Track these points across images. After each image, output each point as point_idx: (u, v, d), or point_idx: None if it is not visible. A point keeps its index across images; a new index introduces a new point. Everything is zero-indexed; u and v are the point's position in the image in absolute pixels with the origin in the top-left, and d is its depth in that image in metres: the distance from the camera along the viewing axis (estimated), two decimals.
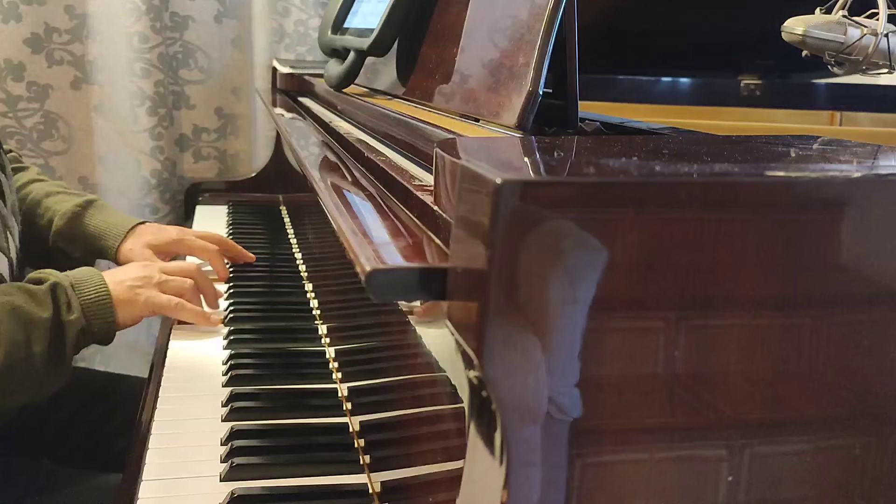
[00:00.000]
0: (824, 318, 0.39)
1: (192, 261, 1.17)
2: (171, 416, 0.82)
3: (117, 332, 0.93)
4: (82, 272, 0.93)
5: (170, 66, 1.77)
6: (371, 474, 0.72)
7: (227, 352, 0.95)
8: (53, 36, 1.67)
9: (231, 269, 1.23)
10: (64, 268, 1.19)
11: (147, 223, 1.19)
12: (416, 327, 0.60)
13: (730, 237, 0.37)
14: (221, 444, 0.76)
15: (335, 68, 1.01)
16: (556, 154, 0.46)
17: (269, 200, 1.74)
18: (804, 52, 0.73)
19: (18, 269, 1.03)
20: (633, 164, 0.40)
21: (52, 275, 0.90)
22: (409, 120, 0.71)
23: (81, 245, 1.16)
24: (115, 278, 0.94)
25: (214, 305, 1.07)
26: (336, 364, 0.93)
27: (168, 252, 1.17)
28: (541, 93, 0.59)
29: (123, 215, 1.20)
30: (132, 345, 1.76)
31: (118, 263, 1.15)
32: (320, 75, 1.19)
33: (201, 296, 1.04)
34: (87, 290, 0.90)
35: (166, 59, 1.74)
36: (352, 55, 0.97)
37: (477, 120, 0.67)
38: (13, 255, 1.00)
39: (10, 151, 1.27)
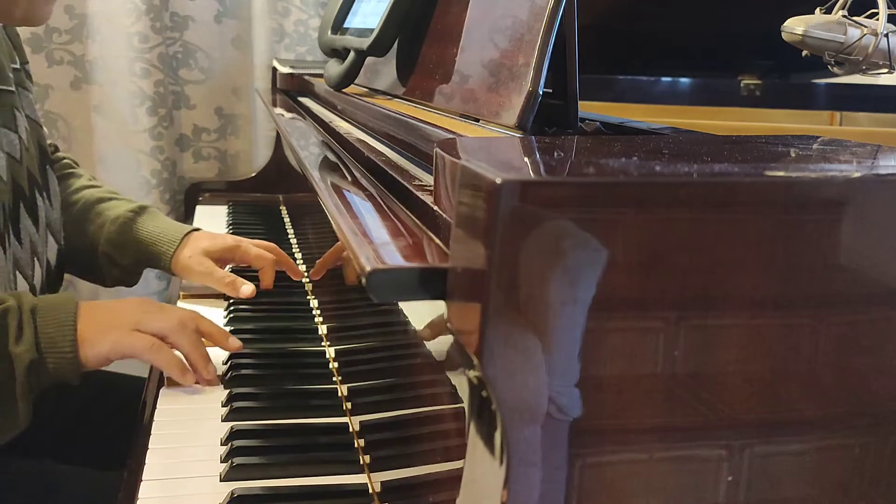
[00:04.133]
0: (824, 318, 0.39)
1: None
2: (171, 416, 0.82)
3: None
4: (56, 297, 0.83)
5: (170, 66, 1.77)
6: (371, 474, 0.72)
7: (228, 352, 0.95)
8: (53, 36, 1.67)
9: (230, 270, 1.23)
10: (111, 276, 1.14)
11: (201, 230, 1.13)
12: (416, 327, 0.60)
13: (730, 237, 0.37)
14: (221, 444, 0.76)
15: (335, 68, 1.01)
16: (555, 154, 0.46)
17: (269, 200, 1.74)
18: (804, 52, 0.73)
19: (51, 289, 1.01)
20: (633, 164, 0.40)
21: (14, 297, 0.80)
22: (409, 120, 0.71)
23: (132, 251, 1.10)
24: (91, 311, 0.83)
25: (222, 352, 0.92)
26: (336, 364, 0.93)
27: (224, 259, 1.11)
28: (541, 93, 0.59)
29: (176, 223, 1.14)
30: None
31: (173, 272, 1.10)
32: (320, 75, 1.19)
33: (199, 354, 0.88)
34: (49, 319, 0.80)
35: (166, 59, 1.74)
36: (352, 55, 0.97)
37: (477, 120, 0.67)
38: (37, 281, 0.96)
39: (65, 158, 1.23)
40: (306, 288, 1.19)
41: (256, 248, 1.14)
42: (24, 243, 0.94)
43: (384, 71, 0.96)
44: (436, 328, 0.54)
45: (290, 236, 1.45)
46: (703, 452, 0.39)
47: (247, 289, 1.07)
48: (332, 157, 0.83)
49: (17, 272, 0.93)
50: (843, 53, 0.71)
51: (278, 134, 1.74)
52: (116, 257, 1.11)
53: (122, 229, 1.10)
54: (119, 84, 1.70)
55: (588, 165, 0.41)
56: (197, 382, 0.87)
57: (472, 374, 0.38)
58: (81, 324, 0.81)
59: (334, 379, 0.91)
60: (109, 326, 0.82)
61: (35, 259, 0.96)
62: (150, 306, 0.88)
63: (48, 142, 1.15)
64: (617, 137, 0.59)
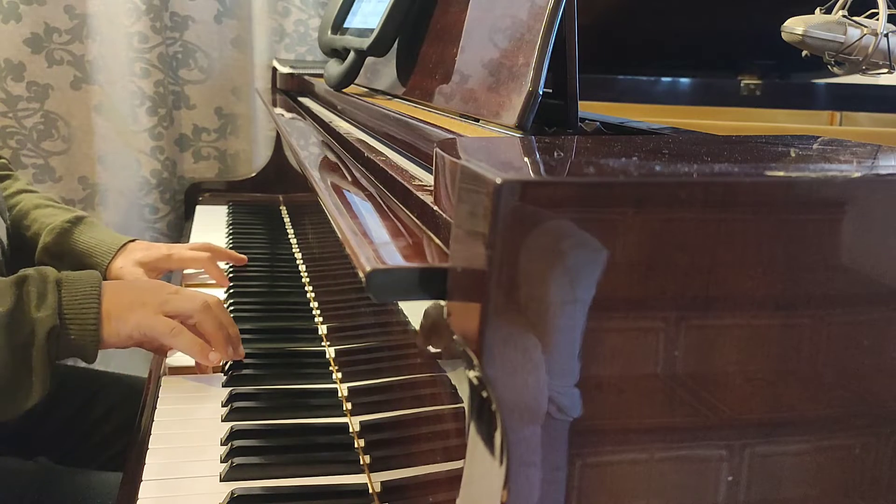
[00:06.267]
0: (824, 319, 0.39)
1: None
2: (172, 416, 0.82)
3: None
4: (83, 273, 0.83)
5: (170, 66, 1.77)
6: (371, 474, 0.72)
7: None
8: (53, 36, 1.67)
9: (231, 270, 1.23)
10: None
11: (137, 241, 1.15)
12: (416, 327, 0.60)
13: (730, 237, 0.37)
14: (221, 444, 0.76)
15: (335, 68, 1.01)
16: (555, 154, 0.46)
17: (269, 200, 1.74)
18: (804, 52, 0.73)
19: (8, 268, 1.01)
20: (633, 164, 0.40)
21: (36, 270, 0.81)
22: (409, 120, 0.71)
23: (69, 262, 1.11)
24: (116, 289, 0.83)
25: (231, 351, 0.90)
26: (336, 364, 0.93)
27: (159, 269, 1.13)
28: (541, 93, 0.59)
29: (113, 233, 1.16)
30: None
31: None
32: (320, 75, 1.19)
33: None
34: (76, 289, 0.79)
35: (166, 59, 1.74)
36: (352, 55, 0.97)
37: (477, 120, 0.67)
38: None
39: (1, 159, 1.26)
40: (306, 288, 1.19)
41: (190, 252, 1.16)
42: None
43: (384, 71, 0.96)
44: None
45: (289, 236, 1.45)
46: (704, 452, 0.39)
47: None
48: (332, 157, 0.83)
49: None
50: (843, 53, 0.71)
51: (278, 134, 1.74)
52: (54, 267, 1.11)
53: (58, 239, 1.11)
54: (119, 84, 1.70)
55: (588, 165, 0.41)
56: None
57: (472, 374, 0.38)
58: (107, 299, 0.81)
59: (334, 379, 0.91)
60: (134, 305, 0.82)
61: None
62: (173, 288, 0.88)
63: None
64: (617, 137, 0.59)
